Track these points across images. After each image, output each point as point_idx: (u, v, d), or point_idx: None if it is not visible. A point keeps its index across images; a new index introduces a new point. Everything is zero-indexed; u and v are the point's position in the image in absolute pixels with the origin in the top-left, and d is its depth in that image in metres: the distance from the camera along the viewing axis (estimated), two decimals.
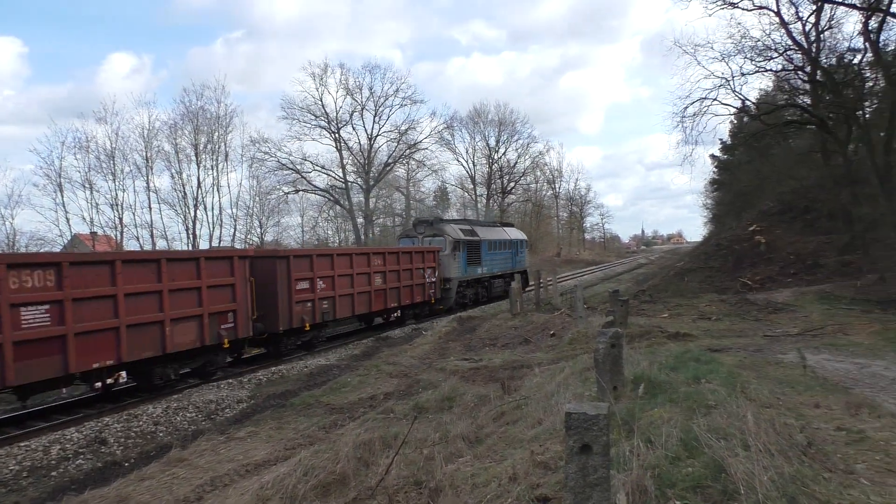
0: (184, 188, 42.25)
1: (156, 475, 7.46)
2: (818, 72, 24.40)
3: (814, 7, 23.46)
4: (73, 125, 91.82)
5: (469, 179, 69.71)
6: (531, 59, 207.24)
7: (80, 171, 38.48)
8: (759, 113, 28.72)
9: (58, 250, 35.67)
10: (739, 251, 26.89)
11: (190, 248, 40.60)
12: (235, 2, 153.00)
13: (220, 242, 42.87)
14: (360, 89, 53.14)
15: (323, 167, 52.56)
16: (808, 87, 26.37)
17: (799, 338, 12.73)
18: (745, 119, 32.44)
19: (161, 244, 40.66)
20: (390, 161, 55.36)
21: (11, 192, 49.55)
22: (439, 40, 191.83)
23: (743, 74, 25.45)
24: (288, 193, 50.86)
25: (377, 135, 54.23)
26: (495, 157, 69.30)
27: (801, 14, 24.53)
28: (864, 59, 24.01)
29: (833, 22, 24.37)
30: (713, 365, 8.24)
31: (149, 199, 41.11)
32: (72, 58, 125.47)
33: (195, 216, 42.42)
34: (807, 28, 24.19)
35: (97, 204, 38.76)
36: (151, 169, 41.11)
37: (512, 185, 71.54)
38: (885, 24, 21.45)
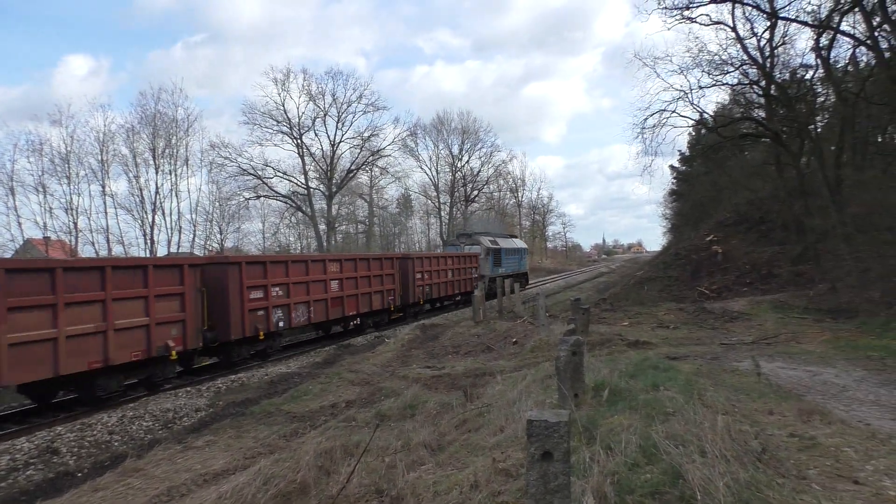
0: (141, 193, 41.29)
1: (110, 485, 7.28)
2: (772, 86, 25.13)
3: (768, 23, 24.17)
4: (27, 127, 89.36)
5: (433, 187, 69.77)
6: (495, 68, 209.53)
7: (32, 175, 37.31)
8: (717, 125, 29.42)
9: (9, 256, 34.63)
10: (697, 261, 27.40)
11: (148, 254, 39.76)
12: (197, 5, 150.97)
13: (178, 248, 42.06)
14: (323, 95, 52.72)
15: (285, 173, 52.00)
16: (762, 101, 27.16)
17: (754, 346, 13.03)
18: (703, 131, 33.19)
19: (118, 250, 39.69)
20: (353, 168, 54.99)
21: None
22: (404, 48, 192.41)
23: (701, 87, 26.25)
24: (249, 199, 50.13)
25: (340, 141, 53.86)
26: (458, 165, 69.49)
27: (755, 30, 25.34)
28: (816, 75, 24.91)
29: (786, 38, 25.26)
30: (671, 372, 8.39)
31: (105, 203, 40.11)
32: (26, 59, 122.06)
33: (153, 221, 41.50)
34: (761, 43, 24.94)
35: (51, 208, 37.54)
36: (108, 173, 40.07)
37: (475, 193, 71.73)
38: (835, 42, 22.28)
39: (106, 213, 40.08)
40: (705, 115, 29.64)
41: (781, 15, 23.27)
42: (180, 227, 43.33)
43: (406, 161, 67.42)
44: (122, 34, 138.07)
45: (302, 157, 52.45)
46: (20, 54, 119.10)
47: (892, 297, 15.94)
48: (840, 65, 24.52)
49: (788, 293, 21.02)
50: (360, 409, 9.92)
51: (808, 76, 25.54)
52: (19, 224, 36.72)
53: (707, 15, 24.56)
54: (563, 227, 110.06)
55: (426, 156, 69.01)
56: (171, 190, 42.85)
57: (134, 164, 41.16)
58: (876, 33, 19.36)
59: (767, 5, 23.33)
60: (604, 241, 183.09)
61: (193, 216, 45.16)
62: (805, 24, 22.92)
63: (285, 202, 53.55)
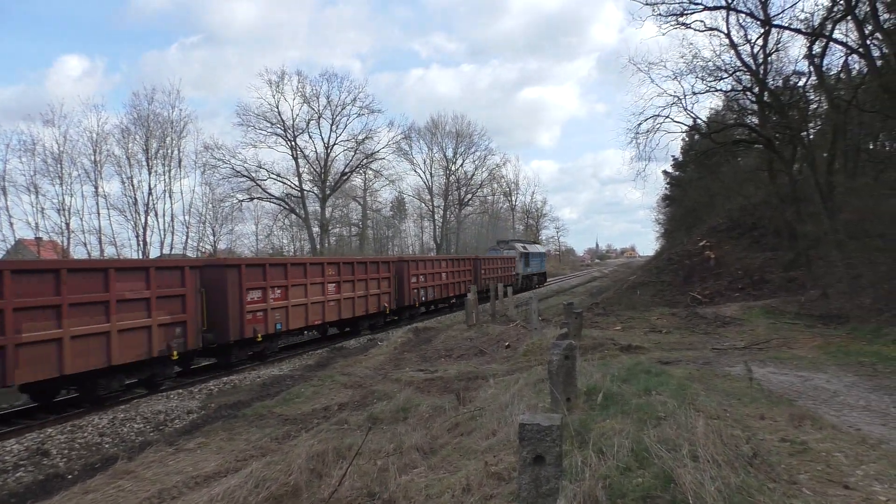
0: (134, 194, 41.17)
1: (101, 488, 7.22)
2: (765, 93, 25.28)
3: (762, 30, 24.31)
4: (19, 127, 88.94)
5: (426, 190, 69.87)
6: (490, 72, 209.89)
7: (24, 175, 37.12)
8: (710, 131, 29.56)
9: (0, 256, 34.44)
10: (690, 266, 27.50)
11: (140, 255, 39.60)
12: (193, 7, 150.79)
13: (171, 250, 41.91)
14: (318, 97, 52.73)
15: (279, 175, 51.96)
16: (755, 107, 27.29)
17: (746, 351, 13.07)
18: (696, 137, 33.36)
19: (110, 251, 39.50)
20: (347, 170, 54.99)
21: None
22: (399, 51, 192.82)
23: (694, 93, 26.38)
24: (242, 201, 50.08)
25: (334, 144, 53.87)
26: (452, 168, 69.67)
27: (749, 37, 25.45)
28: (809, 82, 25.06)
29: (780, 45, 25.39)
30: (664, 377, 8.40)
31: (97, 204, 39.94)
32: (21, 59, 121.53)
33: (146, 223, 41.38)
34: (755, 50, 25.11)
35: (43, 208, 37.35)
36: (101, 173, 39.92)
37: (469, 196, 71.94)
38: (827, 49, 22.41)
39: (98, 213, 39.94)
40: (699, 121, 29.87)
41: (775, 22, 23.47)
42: (173, 228, 43.27)
43: (400, 164, 67.77)
44: (117, 35, 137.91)
45: (296, 159, 52.48)
46: (15, 54, 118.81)
47: (882, 303, 16.02)
48: (833, 72, 24.76)
49: (780, 299, 21.10)
50: (353, 412, 9.89)
51: (800, 83, 25.74)
52: (10, 224, 36.57)
53: (701, 21, 24.88)
54: (557, 232, 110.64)
55: (420, 159, 69.30)
56: (165, 191, 42.80)
57: (127, 164, 41.10)
58: (868, 41, 19.49)
59: (761, 13, 23.50)
60: (597, 245, 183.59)
61: (186, 218, 45.09)
62: (798, 31, 23.10)
63: (279, 204, 53.52)
